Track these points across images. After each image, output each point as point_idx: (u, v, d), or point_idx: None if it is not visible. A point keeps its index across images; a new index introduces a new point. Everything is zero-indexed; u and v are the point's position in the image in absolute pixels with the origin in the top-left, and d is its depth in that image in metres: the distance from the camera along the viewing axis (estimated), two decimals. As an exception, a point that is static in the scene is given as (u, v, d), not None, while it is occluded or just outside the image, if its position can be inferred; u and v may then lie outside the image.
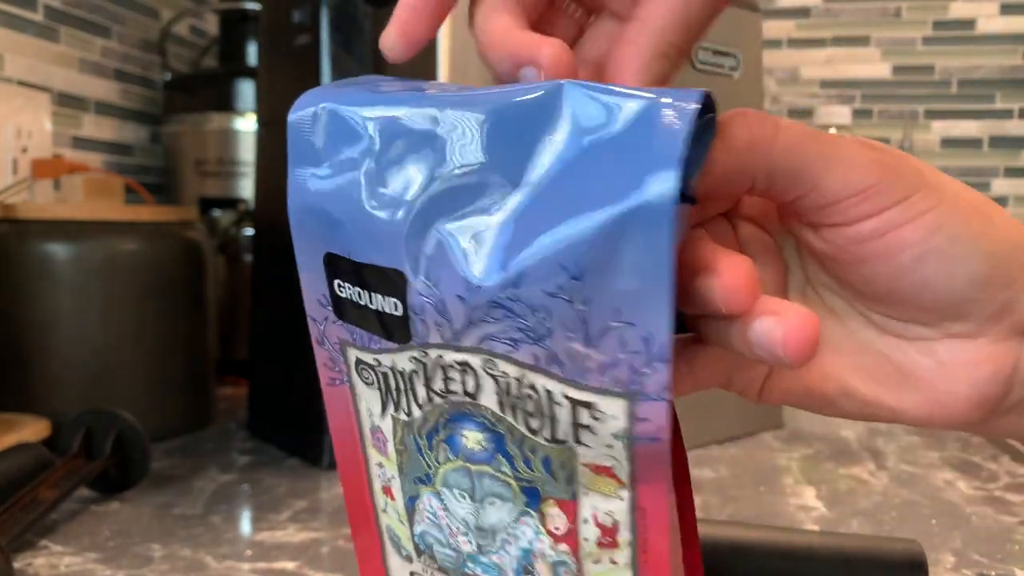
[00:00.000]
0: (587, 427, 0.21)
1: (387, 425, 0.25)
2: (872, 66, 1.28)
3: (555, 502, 0.23)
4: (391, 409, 0.24)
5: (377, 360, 0.24)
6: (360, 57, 0.62)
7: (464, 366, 0.22)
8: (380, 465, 0.26)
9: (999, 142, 1.27)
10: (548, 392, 0.21)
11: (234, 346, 0.87)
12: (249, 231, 0.89)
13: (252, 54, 1.01)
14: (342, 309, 0.24)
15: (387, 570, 0.28)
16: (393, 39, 0.25)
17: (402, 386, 0.24)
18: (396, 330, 0.22)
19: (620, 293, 0.19)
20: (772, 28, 1.29)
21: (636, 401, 0.20)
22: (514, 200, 0.20)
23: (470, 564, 0.25)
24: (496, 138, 0.21)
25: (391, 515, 0.26)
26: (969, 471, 0.64)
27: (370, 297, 0.23)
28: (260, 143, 0.72)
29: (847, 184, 0.22)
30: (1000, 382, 0.24)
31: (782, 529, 0.42)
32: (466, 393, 0.22)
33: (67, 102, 0.91)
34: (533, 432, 0.22)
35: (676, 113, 0.19)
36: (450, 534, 0.25)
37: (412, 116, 0.22)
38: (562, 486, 0.22)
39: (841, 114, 1.18)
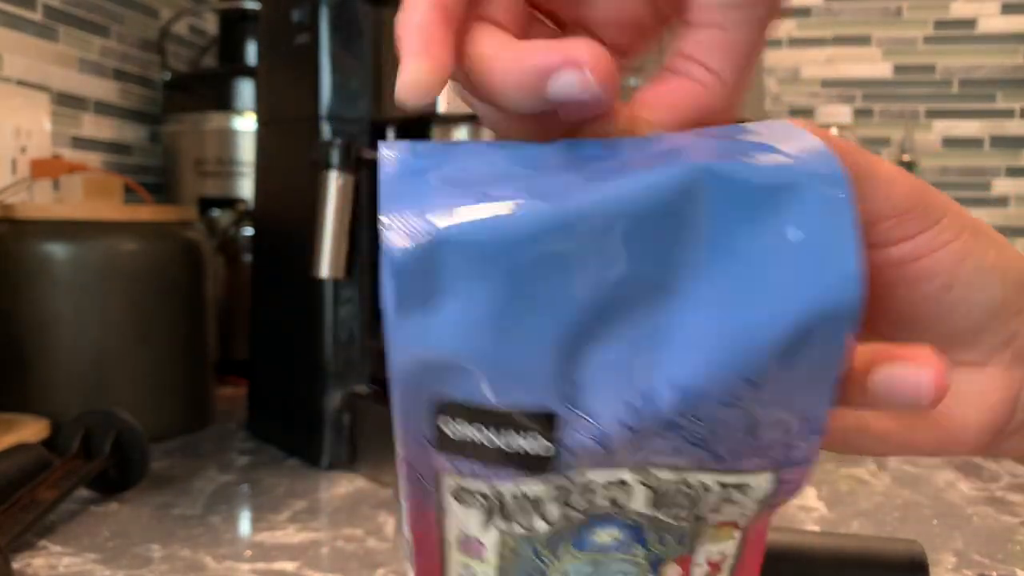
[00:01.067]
0: (731, 500, 0.21)
1: (489, 539, 0.22)
2: (873, 65, 1.28)
3: (674, 560, 0.22)
4: (500, 526, 0.21)
5: (493, 487, 0.21)
6: (360, 57, 0.62)
7: (618, 483, 0.20)
8: (467, 566, 0.24)
9: (1000, 142, 1.27)
10: (703, 484, 0.21)
11: (233, 346, 0.87)
12: (248, 231, 0.89)
13: (251, 53, 1.01)
14: (450, 448, 0.20)
15: None
16: (426, 72, 0.19)
17: (526, 507, 0.21)
18: (533, 465, 0.20)
19: (792, 390, 0.18)
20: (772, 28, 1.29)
21: (783, 469, 0.20)
22: (675, 307, 0.18)
23: None
24: (637, 241, 0.17)
25: None
26: (970, 472, 0.63)
27: (504, 440, 0.19)
28: (259, 143, 0.72)
29: (892, 203, 0.21)
30: (1007, 409, 0.24)
31: (782, 530, 0.42)
32: (612, 501, 0.21)
33: (66, 102, 0.91)
34: (677, 520, 0.21)
35: (831, 183, 0.18)
36: None
37: (537, 231, 0.17)
38: (686, 549, 0.22)
39: (842, 113, 1.18)
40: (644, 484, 0.20)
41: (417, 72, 0.19)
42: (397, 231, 0.17)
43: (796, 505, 0.56)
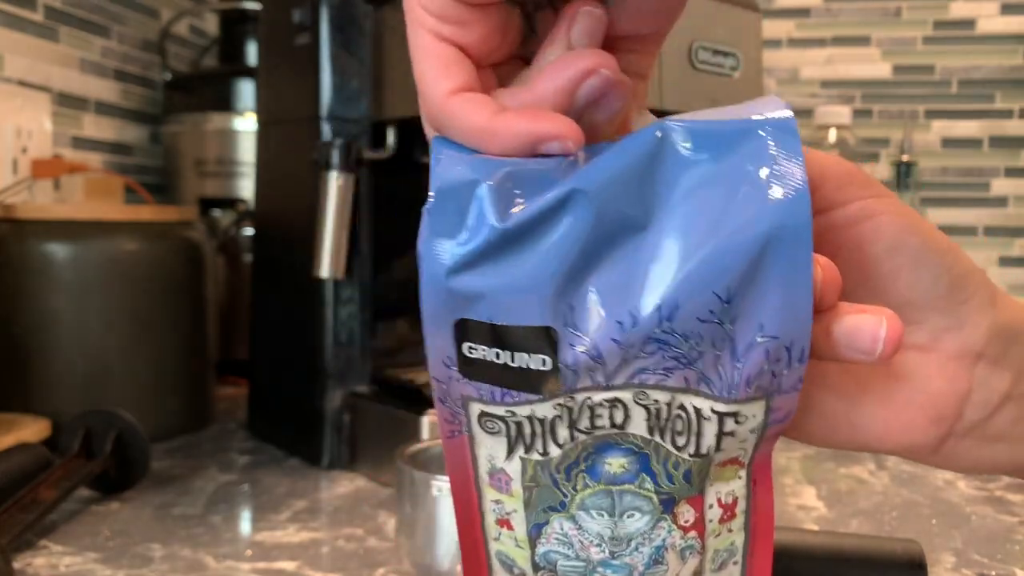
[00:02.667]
0: (731, 433, 0.23)
1: (514, 467, 0.25)
2: (872, 66, 1.28)
3: (686, 501, 0.24)
4: (521, 452, 0.24)
5: (511, 412, 0.24)
6: (360, 57, 0.62)
7: (614, 402, 0.23)
8: (498, 502, 0.26)
9: (999, 142, 1.27)
10: (697, 410, 0.23)
11: (234, 346, 0.87)
12: (249, 231, 0.89)
13: (252, 54, 1.01)
14: (472, 368, 0.23)
15: None
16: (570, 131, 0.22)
17: (539, 431, 0.24)
18: (541, 383, 0.23)
19: (765, 310, 0.21)
20: (772, 28, 1.29)
21: (772, 398, 0.22)
22: (652, 241, 0.22)
23: (600, 569, 0.25)
24: (622, 194, 0.22)
25: (506, 542, 0.27)
26: (969, 471, 0.64)
27: (512, 356, 0.22)
28: (260, 143, 0.72)
29: (826, 171, 0.24)
30: (952, 402, 0.25)
31: (782, 529, 0.42)
32: (614, 425, 0.23)
33: (67, 102, 0.91)
34: (679, 448, 0.23)
35: (782, 129, 0.21)
36: (580, 548, 0.25)
37: (549, 201, 0.22)
38: (696, 488, 0.24)
39: (841, 114, 1.18)
40: (639, 403, 0.23)
41: (567, 129, 0.22)
42: (444, 166, 0.23)
43: (795, 504, 0.56)
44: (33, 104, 0.85)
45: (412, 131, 0.62)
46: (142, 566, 0.45)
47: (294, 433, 0.66)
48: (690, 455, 0.23)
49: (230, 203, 0.95)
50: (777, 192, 0.21)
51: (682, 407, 0.23)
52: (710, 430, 0.23)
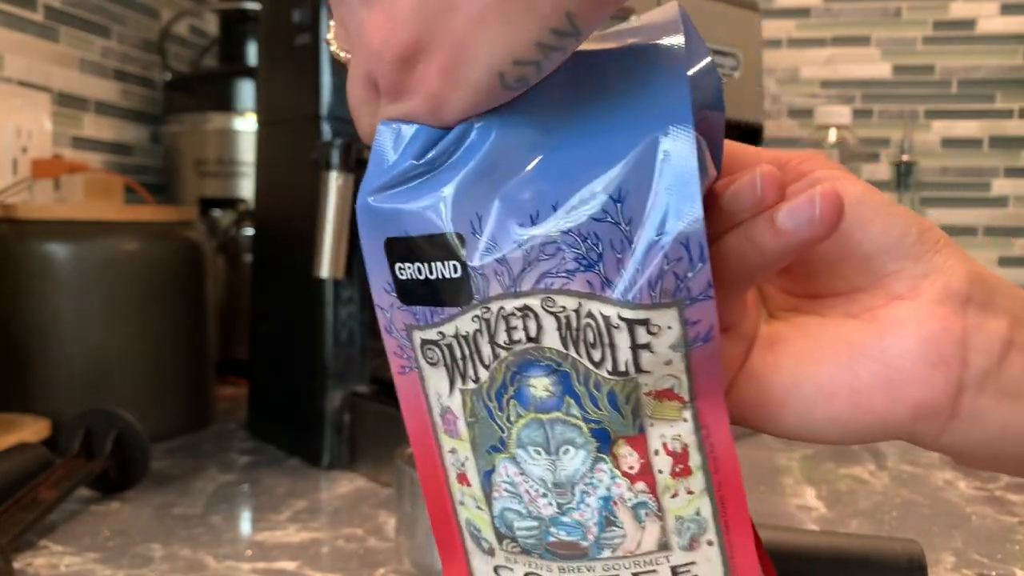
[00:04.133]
0: (646, 346, 0.23)
1: (456, 402, 0.26)
2: (872, 66, 1.28)
3: (625, 441, 0.24)
4: (459, 383, 0.25)
5: (441, 334, 0.25)
6: (360, 57, 0.62)
7: (525, 310, 0.23)
8: (453, 451, 0.26)
9: (999, 142, 1.27)
10: (605, 318, 0.23)
11: (234, 346, 0.87)
12: (249, 231, 0.89)
13: (252, 54, 1.01)
14: (405, 292, 0.25)
15: (471, 572, 0.28)
16: None
17: (467, 351, 0.25)
18: (458, 292, 0.24)
19: (657, 208, 0.22)
20: (772, 28, 1.29)
21: (685, 307, 0.22)
22: (546, 150, 0.23)
23: (552, 529, 0.25)
24: (524, 122, 0.24)
25: (469, 505, 0.27)
26: (969, 471, 0.64)
27: (430, 268, 0.24)
28: (260, 143, 0.72)
29: (791, 156, 0.26)
30: (951, 342, 0.24)
31: (781, 528, 0.42)
32: (529, 339, 0.24)
33: (67, 102, 0.91)
34: (596, 364, 0.23)
35: (670, 42, 0.23)
36: (529, 500, 0.25)
37: (454, 134, 0.24)
38: (629, 422, 0.23)
39: (841, 114, 1.18)
40: (548, 311, 0.23)
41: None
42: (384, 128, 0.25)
43: (795, 504, 0.56)
44: (33, 104, 0.85)
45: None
46: (142, 566, 0.45)
47: (294, 433, 0.66)
48: (608, 372, 0.23)
49: (230, 203, 0.95)
50: (660, 97, 0.22)
51: (590, 315, 0.23)
52: (623, 341, 0.23)
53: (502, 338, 0.24)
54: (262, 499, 0.56)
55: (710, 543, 0.24)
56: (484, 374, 0.25)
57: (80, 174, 0.78)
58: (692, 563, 0.24)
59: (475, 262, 0.23)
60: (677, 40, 0.23)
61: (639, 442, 0.24)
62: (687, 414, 0.23)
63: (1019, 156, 1.27)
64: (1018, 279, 1.25)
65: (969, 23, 1.27)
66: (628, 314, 0.22)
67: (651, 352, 0.23)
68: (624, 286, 0.22)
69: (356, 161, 0.60)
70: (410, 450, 0.44)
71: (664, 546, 0.24)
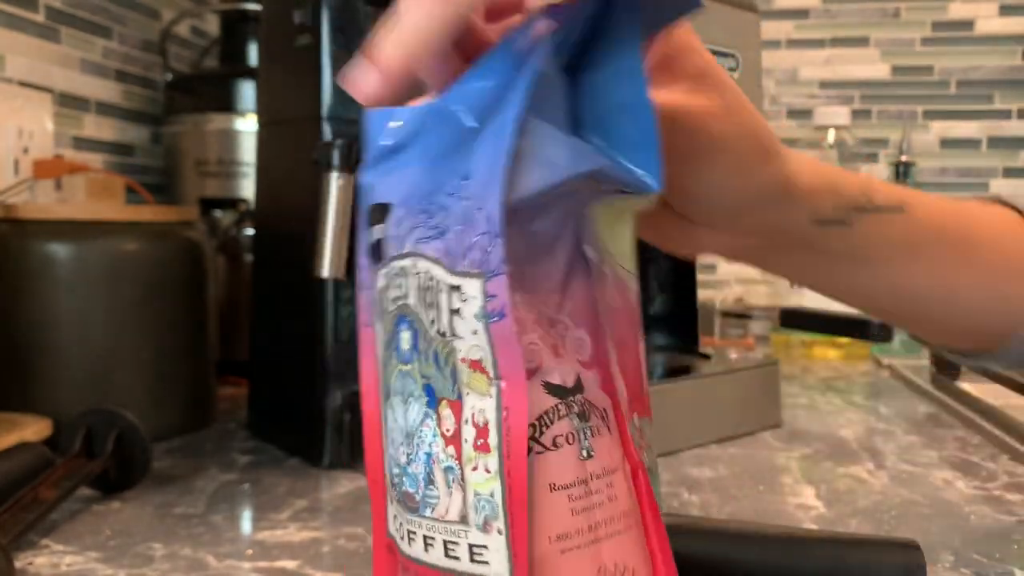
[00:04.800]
0: (457, 311, 0.25)
1: (379, 352, 0.29)
2: (871, 66, 1.28)
3: (447, 403, 0.25)
4: (381, 334, 0.28)
5: (374, 287, 0.28)
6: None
7: (402, 271, 0.26)
8: (386, 398, 0.29)
9: (998, 142, 1.27)
10: (437, 281, 0.25)
11: (235, 346, 0.88)
12: (249, 231, 0.89)
13: (253, 55, 1.01)
14: (372, 254, 0.28)
15: (387, 525, 0.29)
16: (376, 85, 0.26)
17: (378, 306, 0.28)
18: (377, 252, 0.28)
19: (486, 187, 0.24)
20: (771, 29, 1.29)
21: (486, 279, 0.24)
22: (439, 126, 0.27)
23: (403, 478, 0.27)
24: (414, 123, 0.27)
25: (386, 450, 0.29)
26: (968, 470, 0.64)
27: (370, 230, 0.28)
28: (260, 143, 0.72)
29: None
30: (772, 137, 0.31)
31: (780, 527, 0.42)
32: (403, 296, 0.27)
33: (68, 102, 0.91)
34: (431, 323, 0.26)
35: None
36: (394, 447, 0.27)
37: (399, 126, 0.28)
38: (449, 384, 0.25)
39: (840, 114, 1.18)
40: (413, 273, 0.26)
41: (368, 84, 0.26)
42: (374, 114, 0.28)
43: (794, 504, 0.56)
44: (34, 105, 0.85)
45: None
46: (143, 565, 0.45)
47: (295, 433, 0.66)
48: (437, 332, 0.26)
49: (231, 203, 0.95)
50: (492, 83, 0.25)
51: (431, 278, 0.25)
52: (444, 304, 0.25)
53: (392, 293, 0.27)
54: (263, 498, 0.56)
55: (500, 532, 0.25)
56: (381, 327, 0.28)
57: (81, 174, 0.78)
58: (485, 547, 0.25)
59: (388, 227, 0.27)
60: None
61: (456, 407, 0.25)
62: (492, 390, 0.25)
63: (1017, 156, 1.27)
64: (1017, 279, 1.25)
65: (968, 24, 1.27)
66: (449, 279, 0.25)
67: (461, 318, 0.25)
68: (456, 256, 0.25)
69: (356, 161, 0.60)
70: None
71: (464, 520, 0.25)
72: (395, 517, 0.28)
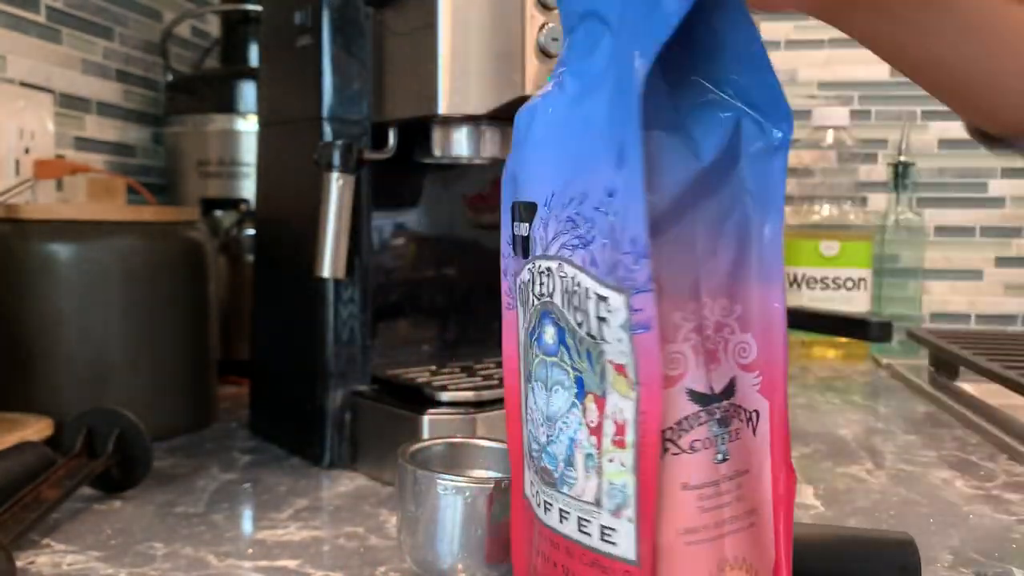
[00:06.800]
0: (604, 319, 0.27)
1: (521, 337, 0.31)
2: (870, 67, 1.28)
3: (594, 397, 0.28)
4: (523, 322, 0.31)
5: (517, 279, 0.31)
6: (361, 59, 0.63)
7: (548, 271, 0.29)
8: (527, 379, 0.31)
9: (998, 143, 1.27)
10: (586, 289, 0.28)
11: (236, 346, 0.88)
12: (251, 231, 0.89)
13: (254, 55, 1.01)
14: (516, 245, 0.31)
15: (524, 487, 0.32)
16: None
17: (524, 297, 0.31)
18: (525, 248, 0.31)
19: (620, 203, 0.26)
20: (770, 29, 1.30)
21: (631, 295, 0.26)
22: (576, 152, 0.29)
23: (543, 455, 0.30)
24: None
25: (531, 427, 0.31)
26: (967, 470, 0.64)
27: (519, 227, 0.31)
28: (261, 144, 0.72)
29: None
30: None
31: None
32: (548, 294, 0.29)
33: (69, 103, 0.91)
34: (579, 325, 0.28)
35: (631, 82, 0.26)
36: (535, 427, 0.30)
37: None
38: (597, 381, 0.28)
39: (839, 115, 1.18)
40: (559, 275, 0.28)
41: None
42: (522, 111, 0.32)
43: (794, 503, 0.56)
44: (36, 105, 0.85)
45: (413, 132, 0.63)
46: (144, 564, 0.45)
47: (295, 432, 0.66)
48: (586, 333, 0.28)
49: (232, 203, 0.95)
50: (619, 122, 0.27)
51: (578, 284, 0.28)
52: (592, 310, 0.27)
53: (537, 289, 0.30)
54: (263, 498, 0.56)
55: (629, 520, 0.27)
56: (525, 317, 0.31)
57: (83, 175, 0.78)
58: (615, 530, 0.28)
59: (534, 227, 0.30)
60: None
61: (601, 403, 0.28)
62: (632, 394, 0.27)
63: (1016, 156, 1.27)
64: (1016, 280, 1.25)
65: (967, 25, 1.27)
66: (597, 289, 0.27)
67: (608, 326, 0.27)
68: (602, 267, 0.27)
69: (356, 162, 0.60)
70: (411, 448, 0.44)
71: (598, 503, 0.28)
72: (531, 484, 0.31)
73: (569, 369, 0.28)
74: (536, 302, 0.30)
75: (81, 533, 0.49)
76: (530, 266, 0.30)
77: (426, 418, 0.57)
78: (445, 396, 0.58)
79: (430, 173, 0.71)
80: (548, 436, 0.29)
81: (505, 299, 0.33)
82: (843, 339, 1.08)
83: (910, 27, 0.38)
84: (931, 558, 0.47)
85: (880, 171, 1.26)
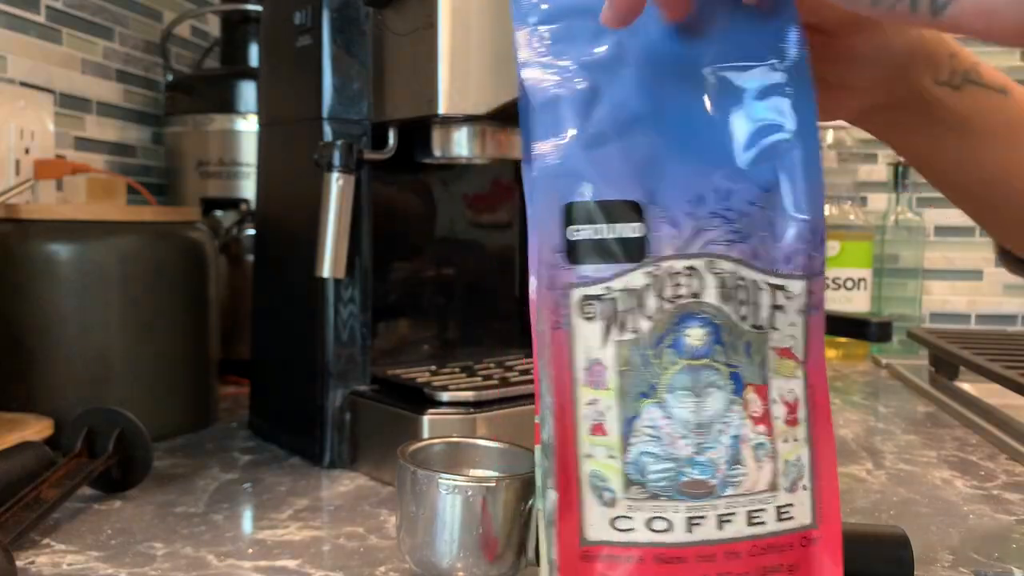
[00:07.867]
0: (780, 307, 0.29)
1: (608, 353, 0.29)
2: (871, 67, 1.28)
3: (753, 388, 0.29)
4: (615, 335, 0.29)
5: (608, 288, 0.29)
6: (361, 59, 0.63)
7: (691, 270, 0.29)
8: (592, 403, 0.29)
9: (998, 143, 1.27)
10: (754, 281, 0.29)
11: (236, 346, 0.88)
12: (251, 231, 0.89)
13: (254, 55, 1.01)
14: (574, 252, 0.29)
15: (582, 524, 0.30)
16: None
17: (632, 304, 0.29)
18: (634, 250, 0.29)
19: (795, 197, 0.29)
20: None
21: (811, 280, 0.29)
22: (710, 144, 0.30)
23: (687, 469, 0.29)
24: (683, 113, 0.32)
25: (598, 456, 0.29)
26: (967, 470, 0.64)
27: (611, 228, 0.29)
28: (261, 144, 0.72)
29: None
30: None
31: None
32: (692, 294, 0.29)
33: (70, 103, 0.91)
34: (743, 319, 0.29)
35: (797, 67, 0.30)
36: (669, 442, 0.29)
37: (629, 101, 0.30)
38: (757, 371, 0.29)
39: (840, 115, 1.18)
40: (712, 272, 0.29)
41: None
42: (536, 82, 0.30)
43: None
44: (36, 105, 0.85)
45: (413, 132, 0.63)
46: (144, 564, 0.45)
47: (295, 432, 0.66)
48: (751, 326, 0.29)
49: (232, 204, 0.95)
50: (787, 106, 0.29)
51: (742, 278, 0.29)
52: (765, 301, 0.29)
53: (668, 293, 0.29)
54: (264, 498, 0.56)
55: (805, 487, 0.29)
56: (646, 326, 0.29)
57: (83, 175, 0.78)
58: (791, 505, 0.29)
59: (653, 225, 0.29)
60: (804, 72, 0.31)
61: (762, 391, 0.29)
62: (799, 372, 0.29)
63: None
64: (1016, 280, 1.25)
65: (968, 24, 1.27)
66: (772, 280, 0.29)
67: (783, 313, 0.29)
68: (766, 259, 0.29)
69: (356, 161, 0.60)
70: (411, 448, 0.44)
71: (773, 487, 0.29)
72: (623, 519, 0.29)
73: (723, 367, 0.29)
74: (668, 306, 0.29)
75: (81, 533, 0.49)
76: (648, 269, 0.29)
77: (426, 418, 0.57)
78: (445, 396, 0.58)
79: (430, 173, 0.71)
80: (699, 445, 0.29)
81: (549, 318, 0.29)
82: (843, 339, 1.08)
83: (961, 131, 0.39)
84: (931, 558, 0.47)
85: (880, 171, 1.26)
